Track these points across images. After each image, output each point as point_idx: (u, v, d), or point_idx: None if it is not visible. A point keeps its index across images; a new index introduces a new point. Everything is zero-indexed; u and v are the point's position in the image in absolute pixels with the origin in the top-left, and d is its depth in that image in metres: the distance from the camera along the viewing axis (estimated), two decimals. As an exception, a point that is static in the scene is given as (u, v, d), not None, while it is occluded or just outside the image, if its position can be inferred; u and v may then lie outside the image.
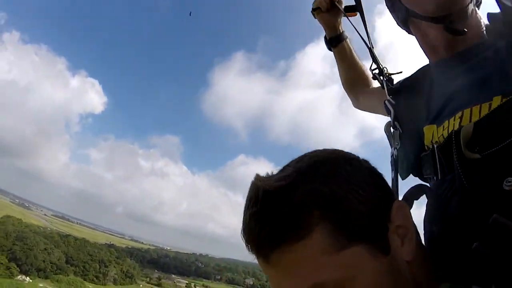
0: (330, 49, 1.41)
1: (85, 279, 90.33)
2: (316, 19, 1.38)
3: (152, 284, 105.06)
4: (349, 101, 1.48)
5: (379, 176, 0.58)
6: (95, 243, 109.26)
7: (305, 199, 0.49)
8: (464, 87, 0.75)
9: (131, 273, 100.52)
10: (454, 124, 0.74)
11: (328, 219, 0.48)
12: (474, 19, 0.81)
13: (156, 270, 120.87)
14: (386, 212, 0.53)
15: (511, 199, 0.44)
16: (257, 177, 0.54)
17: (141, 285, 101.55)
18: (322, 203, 0.49)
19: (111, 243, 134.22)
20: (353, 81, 1.38)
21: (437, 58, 0.89)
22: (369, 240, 0.49)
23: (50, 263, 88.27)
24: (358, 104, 1.41)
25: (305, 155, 0.58)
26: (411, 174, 0.95)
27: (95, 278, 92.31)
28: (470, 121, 0.70)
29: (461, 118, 0.73)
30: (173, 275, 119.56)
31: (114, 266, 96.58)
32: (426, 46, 0.92)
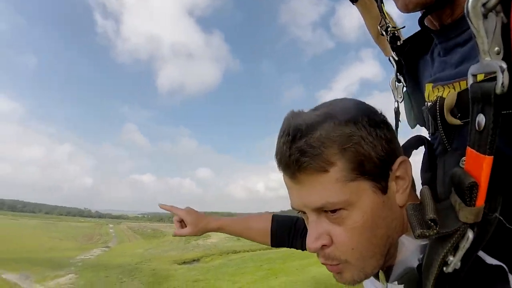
0: (353, 4, 1.43)
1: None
2: None
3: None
4: None
5: (391, 133, 0.69)
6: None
7: (329, 136, 0.60)
8: (457, 59, 0.80)
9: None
10: (449, 91, 0.80)
11: (345, 157, 0.61)
12: None
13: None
14: (391, 163, 0.65)
15: (459, 175, 0.49)
16: (292, 112, 0.66)
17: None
18: (341, 142, 0.60)
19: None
20: (379, 32, 1.34)
21: (431, 29, 0.91)
22: (373, 179, 0.62)
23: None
24: (387, 53, 1.36)
25: (336, 100, 0.71)
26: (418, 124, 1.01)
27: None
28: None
29: (454, 88, 0.79)
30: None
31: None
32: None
